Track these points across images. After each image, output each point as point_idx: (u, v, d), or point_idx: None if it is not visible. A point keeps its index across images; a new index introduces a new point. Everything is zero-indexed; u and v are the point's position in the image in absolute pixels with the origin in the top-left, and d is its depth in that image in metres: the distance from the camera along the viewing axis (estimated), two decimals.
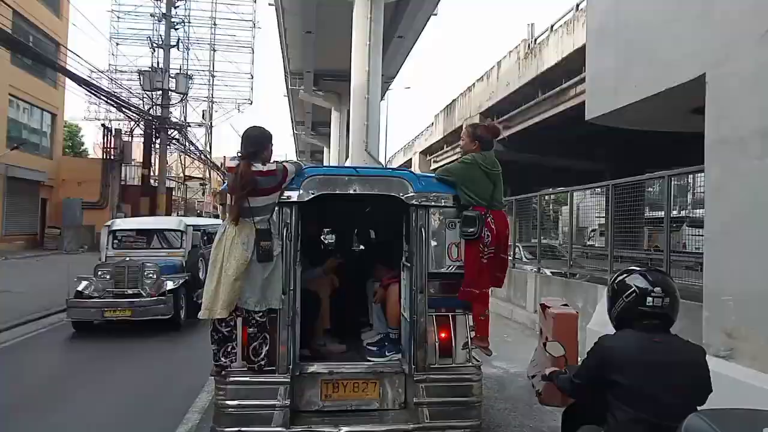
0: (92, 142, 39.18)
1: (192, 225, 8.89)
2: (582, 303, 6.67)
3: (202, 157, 31.50)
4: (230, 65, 37.87)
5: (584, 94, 14.17)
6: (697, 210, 7.43)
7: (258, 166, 2.99)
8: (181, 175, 35.44)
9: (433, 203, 3.25)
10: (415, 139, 35.36)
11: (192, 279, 7.76)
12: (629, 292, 2.06)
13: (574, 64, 14.51)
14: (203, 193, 39.88)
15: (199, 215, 37.28)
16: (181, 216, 29.08)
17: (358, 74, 15.62)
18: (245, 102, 38.43)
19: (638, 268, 2.16)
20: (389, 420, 3.23)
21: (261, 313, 3.00)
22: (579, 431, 2.27)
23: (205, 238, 8.84)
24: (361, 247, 6.14)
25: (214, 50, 36.32)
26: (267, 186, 2.99)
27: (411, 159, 34.81)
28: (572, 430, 2.34)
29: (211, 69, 37.00)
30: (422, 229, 3.22)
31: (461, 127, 22.43)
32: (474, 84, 22.83)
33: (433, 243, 3.25)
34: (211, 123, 38.69)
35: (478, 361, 3.29)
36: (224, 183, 3.32)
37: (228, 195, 3.10)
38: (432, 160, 31.34)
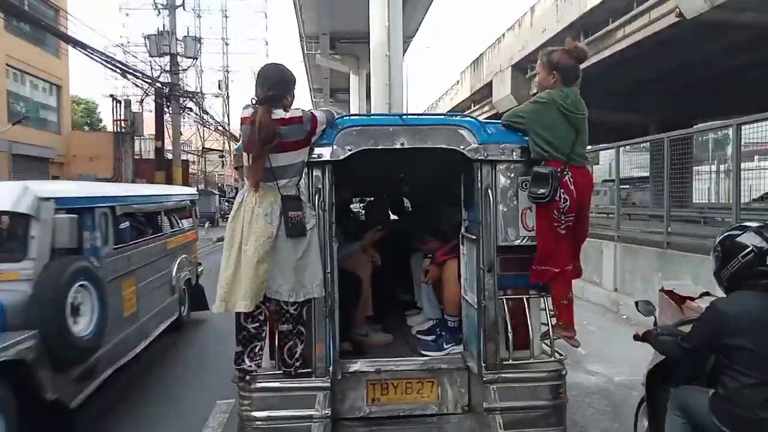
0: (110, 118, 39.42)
1: (60, 197, 3.50)
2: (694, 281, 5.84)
3: (220, 128, 31.13)
4: (243, 32, 37.19)
5: (634, 34, 13.19)
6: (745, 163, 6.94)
7: (279, 113, 2.38)
8: (200, 148, 35.24)
9: (502, 157, 2.59)
10: (439, 100, 33.49)
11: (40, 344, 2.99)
12: (746, 252, 2.00)
13: (618, 2, 13.20)
14: (222, 165, 39.51)
15: (221, 189, 37.21)
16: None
17: (377, 30, 14.56)
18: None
19: (752, 224, 2.08)
20: (451, 428, 2.69)
21: (296, 305, 2.44)
22: (685, 391, 2.21)
23: (133, 226, 4.92)
24: (402, 215, 5.54)
25: (226, 16, 35.52)
26: (292, 138, 2.38)
27: None
28: (657, 390, 2.42)
29: (224, 36, 36.32)
30: (489, 191, 2.57)
31: (490, 82, 21.02)
32: (504, 34, 21.05)
33: (503, 208, 2.61)
34: (227, 93, 38.29)
35: (562, 354, 2.69)
36: (239, 142, 2.70)
37: (244, 154, 2.49)
38: None
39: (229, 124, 34.88)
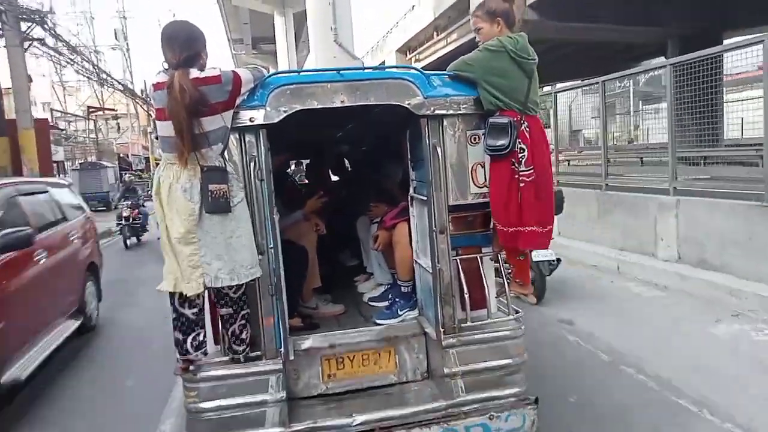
0: None
1: None
2: None
3: (118, 85, 28.66)
4: None
5: None
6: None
7: (194, 73, 2.32)
8: (83, 108, 31.83)
9: (450, 111, 2.68)
10: (388, 33, 29.82)
11: None
12: None
13: None
14: (118, 130, 36.44)
15: (123, 161, 33.65)
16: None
17: None
18: (168, 15, 35.43)
19: None
20: (412, 397, 2.85)
21: (234, 288, 2.47)
22: None
23: None
24: (343, 176, 5.59)
25: None
26: (212, 100, 2.32)
27: (384, 62, 29.13)
28: None
29: None
30: (437, 148, 2.67)
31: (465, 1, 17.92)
32: None
33: (453, 166, 2.71)
34: (127, 44, 35.81)
35: (519, 311, 2.90)
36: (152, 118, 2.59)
37: (158, 124, 2.40)
38: (414, 58, 26.02)
39: (133, 83, 32.79)
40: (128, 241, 12.71)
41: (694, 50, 6.31)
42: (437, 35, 22.62)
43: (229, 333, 2.50)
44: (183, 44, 2.36)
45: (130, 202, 12.82)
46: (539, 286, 5.63)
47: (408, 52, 26.86)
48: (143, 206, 13.21)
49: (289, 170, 5.74)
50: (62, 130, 27.61)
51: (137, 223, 12.85)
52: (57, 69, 30.74)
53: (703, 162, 8.71)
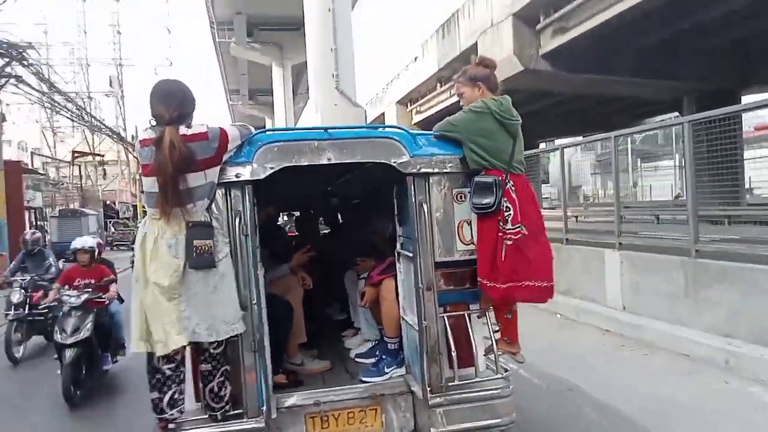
0: None
1: None
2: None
3: (105, 130, 28.72)
4: (142, 19, 35.73)
5: None
6: None
7: (183, 130, 2.44)
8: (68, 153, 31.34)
9: (436, 170, 2.82)
10: (388, 85, 29.60)
11: None
12: None
13: None
14: (104, 176, 35.74)
15: (109, 207, 32.48)
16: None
17: None
18: (164, 64, 36.49)
19: None
20: None
21: (215, 344, 2.51)
22: None
23: None
24: (333, 227, 5.69)
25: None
26: (198, 157, 2.43)
27: (383, 114, 29.01)
28: None
29: (116, 23, 34.83)
30: (423, 206, 2.78)
31: (473, 47, 17.47)
32: None
33: (439, 223, 2.82)
34: (122, 91, 36.66)
35: (507, 370, 2.95)
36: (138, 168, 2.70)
37: (145, 180, 2.49)
38: (415, 110, 25.71)
39: (125, 129, 33.32)
40: (15, 350, 6.67)
41: (711, 107, 6.27)
42: (440, 87, 22.60)
43: (208, 390, 2.52)
44: (178, 103, 2.49)
45: (27, 279, 7.00)
46: None
47: (408, 104, 26.85)
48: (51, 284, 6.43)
49: (279, 221, 5.84)
50: (42, 174, 26.91)
51: (41, 316, 6.80)
52: (47, 114, 31.30)
53: (727, 221, 8.71)
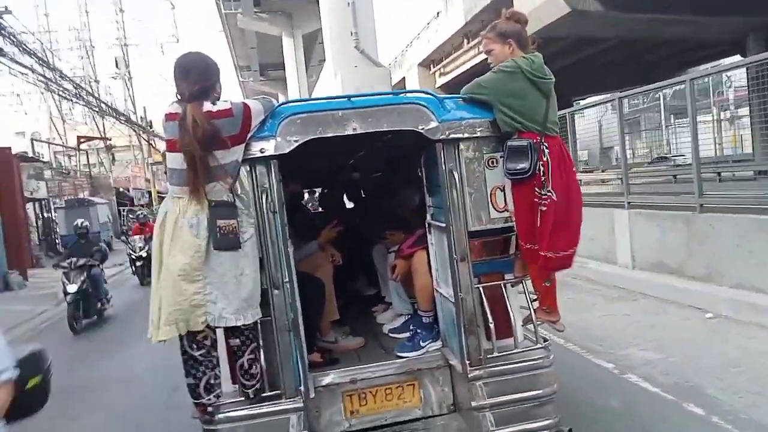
0: None
1: None
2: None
3: (111, 112, 28.58)
4: None
5: None
6: None
7: (206, 107, 2.46)
8: (67, 146, 30.73)
9: (466, 135, 2.80)
10: (408, 46, 28.30)
11: None
12: None
13: None
14: (112, 161, 35.25)
15: (122, 195, 31.84)
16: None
17: None
18: (170, 41, 36.53)
19: None
20: (438, 431, 2.94)
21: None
22: None
23: None
24: (358, 202, 5.74)
25: None
26: (224, 134, 2.45)
27: (404, 79, 28.11)
28: None
29: (118, 1, 34.90)
30: (454, 173, 2.78)
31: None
32: None
33: (471, 191, 2.82)
34: (128, 72, 36.93)
35: (547, 340, 2.97)
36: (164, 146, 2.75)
37: (169, 155, 2.53)
38: (439, 72, 24.57)
39: (135, 113, 33.58)
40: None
41: None
42: (467, 43, 21.32)
43: (238, 366, 2.59)
44: (198, 76, 2.50)
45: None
46: None
47: (431, 66, 25.77)
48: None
49: (303, 199, 5.91)
50: (44, 162, 25.86)
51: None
52: (55, 100, 31.63)
53: None
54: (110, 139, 33.86)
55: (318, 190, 6.88)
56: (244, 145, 2.56)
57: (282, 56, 29.40)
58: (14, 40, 15.66)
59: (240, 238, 2.48)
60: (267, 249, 2.62)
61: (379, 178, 5.15)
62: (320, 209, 6.12)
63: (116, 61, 36.76)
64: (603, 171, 13.03)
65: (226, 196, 2.50)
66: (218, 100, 2.57)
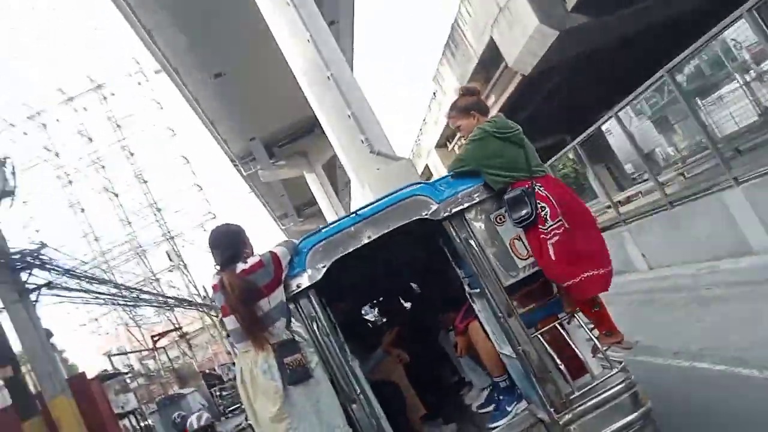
0: None
1: None
2: None
3: (186, 303, 30.45)
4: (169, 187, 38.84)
5: None
6: None
7: (239, 267, 2.89)
8: (144, 350, 31.75)
9: (466, 204, 3.12)
10: (420, 135, 29.55)
11: None
12: None
13: None
14: (189, 347, 35.79)
15: (211, 376, 31.07)
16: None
17: (297, 57, 12.23)
18: (208, 218, 39.28)
19: None
20: None
21: None
22: None
23: None
24: (414, 299, 5.98)
25: (144, 181, 37.44)
26: (261, 284, 2.86)
27: (426, 166, 29.28)
28: None
29: (152, 201, 38.08)
30: (471, 241, 3.07)
31: (491, 48, 16.53)
32: None
33: (492, 250, 3.08)
34: (181, 260, 39.36)
35: (621, 361, 3.05)
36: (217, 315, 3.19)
37: (225, 321, 2.94)
38: (457, 146, 24.43)
39: (199, 295, 35.30)
40: None
41: None
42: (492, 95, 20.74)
43: None
44: (225, 246, 2.98)
45: None
46: None
47: (448, 144, 26.40)
48: None
49: (359, 315, 6.21)
50: (125, 373, 25.60)
51: None
52: (127, 311, 33.75)
53: None
54: (180, 327, 35.39)
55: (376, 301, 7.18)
56: (282, 286, 2.94)
57: (311, 192, 30.98)
58: (79, 274, 16.85)
59: (308, 368, 2.79)
60: (332, 369, 2.90)
61: (419, 271, 5.44)
62: (383, 319, 6.38)
63: (168, 255, 39.49)
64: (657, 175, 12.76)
65: (285, 335, 2.85)
66: (251, 256, 3.00)
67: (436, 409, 3.96)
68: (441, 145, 27.11)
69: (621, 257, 8.63)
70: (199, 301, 34.17)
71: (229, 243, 3.01)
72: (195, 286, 38.80)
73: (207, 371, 35.02)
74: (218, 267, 2.98)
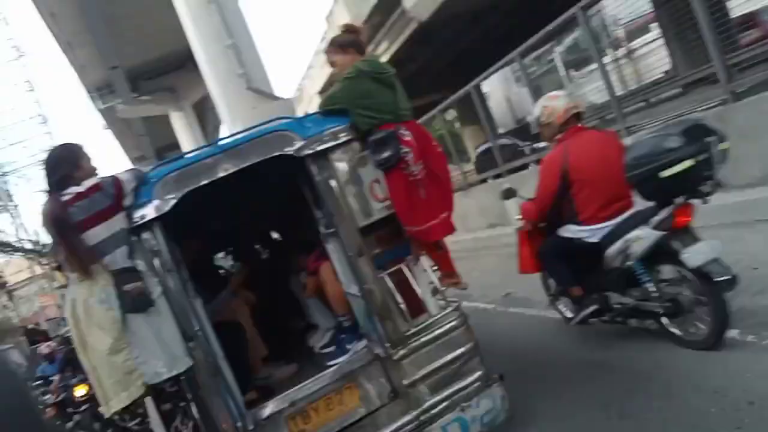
0: None
1: None
2: None
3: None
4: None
5: None
6: None
7: (73, 190, 2.70)
8: None
9: (331, 143, 3.15)
10: (304, 79, 28.78)
11: None
12: None
13: None
14: (10, 299, 33.03)
15: (33, 332, 30.07)
16: None
17: None
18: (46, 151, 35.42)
19: None
20: (384, 420, 3.15)
21: (171, 382, 2.75)
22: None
23: None
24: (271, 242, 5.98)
25: None
26: (97, 209, 2.70)
27: (307, 113, 28.89)
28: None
29: None
30: (330, 181, 3.14)
31: None
32: None
33: (350, 191, 3.16)
34: (11, 199, 35.31)
35: (456, 301, 3.31)
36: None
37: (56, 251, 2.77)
38: None
39: (29, 240, 31.89)
40: None
41: None
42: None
43: (173, 429, 2.77)
44: (52, 168, 2.78)
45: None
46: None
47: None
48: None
49: (211, 258, 6.08)
50: None
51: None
52: None
53: None
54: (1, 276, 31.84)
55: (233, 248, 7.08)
56: (123, 213, 2.78)
57: (176, 135, 29.05)
58: None
59: (149, 297, 2.71)
60: (171, 305, 2.84)
61: (276, 215, 5.44)
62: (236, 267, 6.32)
63: None
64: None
65: (127, 262, 2.72)
66: (88, 177, 2.81)
67: (280, 352, 4.03)
68: (324, 91, 26.78)
69: (497, 210, 9.55)
70: (29, 247, 30.95)
71: (56, 164, 2.81)
72: (26, 230, 35.06)
73: (29, 326, 31.90)
74: (47, 191, 2.77)
